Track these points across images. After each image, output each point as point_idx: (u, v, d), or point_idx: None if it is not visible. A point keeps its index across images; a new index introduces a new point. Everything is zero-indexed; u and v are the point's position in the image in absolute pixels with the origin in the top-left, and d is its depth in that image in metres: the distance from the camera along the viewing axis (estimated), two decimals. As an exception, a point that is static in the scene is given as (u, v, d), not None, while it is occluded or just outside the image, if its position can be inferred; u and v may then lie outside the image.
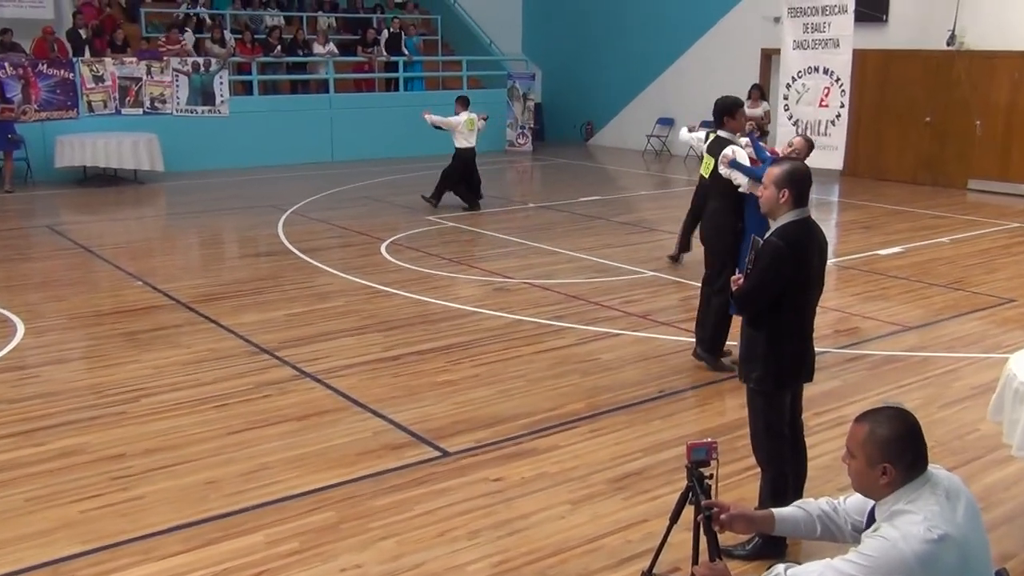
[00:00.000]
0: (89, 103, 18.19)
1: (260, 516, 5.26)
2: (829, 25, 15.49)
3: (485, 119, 15.18)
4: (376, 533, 5.08)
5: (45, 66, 17.70)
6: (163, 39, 19.54)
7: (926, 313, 9.32)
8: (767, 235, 4.64)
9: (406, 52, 22.14)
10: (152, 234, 13.99)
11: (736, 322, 4.87)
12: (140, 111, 18.70)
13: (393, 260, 11.45)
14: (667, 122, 22.28)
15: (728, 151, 7.46)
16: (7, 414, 6.72)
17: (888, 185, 17.63)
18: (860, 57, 16.53)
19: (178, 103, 19.07)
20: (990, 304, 9.62)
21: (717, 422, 6.62)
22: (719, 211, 7.64)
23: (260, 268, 11.31)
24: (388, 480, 5.69)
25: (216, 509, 5.34)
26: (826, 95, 15.53)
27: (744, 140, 7.73)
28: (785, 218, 4.59)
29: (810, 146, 8.23)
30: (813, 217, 4.73)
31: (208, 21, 21.08)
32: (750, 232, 6.43)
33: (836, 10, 15.34)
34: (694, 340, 7.88)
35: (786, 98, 16.24)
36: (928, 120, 17.72)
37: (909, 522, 3.02)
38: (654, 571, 4.37)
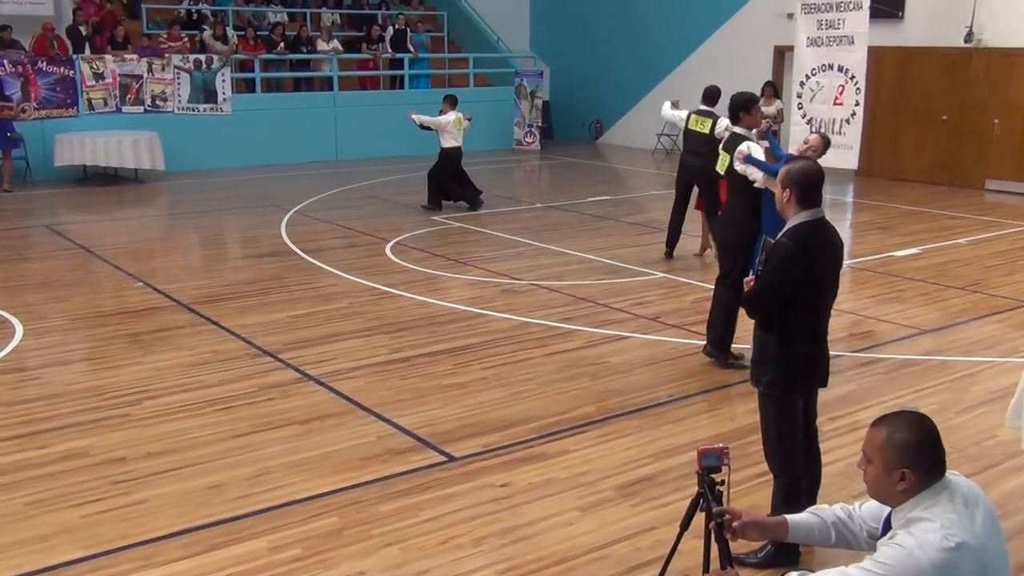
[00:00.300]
0: (89, 101, 18.14)
1: (263, 521, 5.22)
2: (844, 22, 15.39)
3: (469, 119, 15.04)
4: (380, 540, 5.03)
5: (44, 63, 17.65)
6: (164, 36, 19.47)
7: (943, 316, 9.24)
8: (778, 236, 4.61)
9: (411, 49, 22.05)
10: (153, 234, 13.94)
11: (748, 324, 4.82)
12: (141, 109, 18.64)
13: (398, 261, 11.39)
14: (672, 120, 22.19)
15: (743, 147, 7.41)
16: (7, 417, 6.68)
17: (904, 185, 17.51)
18: (875, 54, 16.45)
19: (179, 101, 19.00)
20: (1009, 307, 9.53)
21: (729, 427, 6.56)
22: (735, 208, 7.60)
23: (263, 269, 11.27)
24: (393, 485, 5.64)
25: (218, 514, 5.30)
26: (841, 93, 15.43)
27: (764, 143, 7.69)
28: (797, 218, 4.56)
29: (826, 143, 8.16)
30: (827, 218, 4.68)
31: (210, 17, 21.01)
32: (765, 232, 6.38)
33: (851, 6, 15.25)
34: (705, 340, 7.83)
35: (800, 96, 16.14)
36: (945, 119, 17.54)
37: (926, 530, 2.96)
38: (664, 580, 4.29)
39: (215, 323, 8.87)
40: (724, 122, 10.59)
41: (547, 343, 8.30)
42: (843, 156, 14.77)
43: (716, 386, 7.33)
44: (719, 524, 3.52)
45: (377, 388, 7.23)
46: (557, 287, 10.18)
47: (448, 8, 24.65)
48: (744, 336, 7.18)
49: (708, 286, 10.02)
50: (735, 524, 3.49)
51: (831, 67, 15.62)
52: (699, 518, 3.77)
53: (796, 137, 15.95)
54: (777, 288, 4.53)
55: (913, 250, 12.02)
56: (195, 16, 21.07)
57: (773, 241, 4.59)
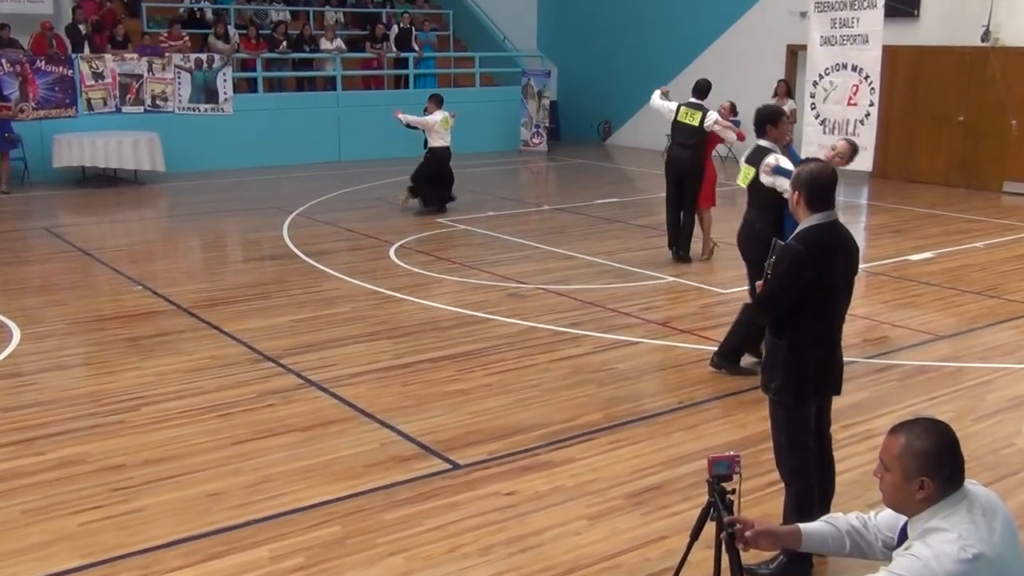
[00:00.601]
0: (88, 101, 18.05)
1: (264, 530, 5.18)
2: (858, 20, 15.26)
3: (454, 116, 14.83)
4: (384, 549, 4.99)
5: (43, 63, 17.57)
6: (165, 35, 19.40)
7: (959, 322, 9.17)
8: (788, 239, 4.59)
9: (416, 48, 21.97)
10: (153, 237, 13.89)
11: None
12: (141, 109, 18.57)
13: (402, 264, 11.33)
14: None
15: (771, 159, 7.33)
16: (3, 423, 6.63)
17: (919, 187, 17.39)
18: (890, 54, 16.27)
19: (180, 101, 18.93)
20: (1027, 313, 9.49)
21: (740, 434, 6.48)
22: (757, 220, 7.50)
23: (264, 272, 11.22)
24: (396, 493, 5.60)
25: (218, 522, 5.26)
26: (855, 93, 15.30)
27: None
28: (808, 221, 4.54)
29: (854, 149, 8.10)
30: (841, 220, 4.65)
31: (211, 16, 20.95)
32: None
33: (865, 4, 15.12)
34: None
35: (813, 96, 16.02)
36: (961, 119, 17.37)
37: (942, 540, 2.90)
38: (674, 591, 4.25)
39: (215, 327, 8.81)
40: (713, 115, 11.10)
41: (553, 349, 8.24)
42: (857, 157, 14.64)
43: (727, 393, 7.26)
44: (730, 534, 3.48)
45: (380, 394, 7.17)
46: (564, 291, 10.12)
47: (454, 6, 24.58)
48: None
49: (718, 290, 10.09)
50: (747, 534, 3.45)
51: (845, 66, 15.49)
52: (710, 527, 3.73)
53: (810, 139, 15.88)
54: (786, 291, 4.50)
55: (928, 254, 11.94)
56: (198, 14, 20.98)
57: (783, 244, 4.56)
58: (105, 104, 18.19)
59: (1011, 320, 9.19)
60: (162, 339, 8.50)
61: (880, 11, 15.05)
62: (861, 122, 15.18)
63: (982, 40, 16.68)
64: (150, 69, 18.56)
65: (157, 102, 18.69)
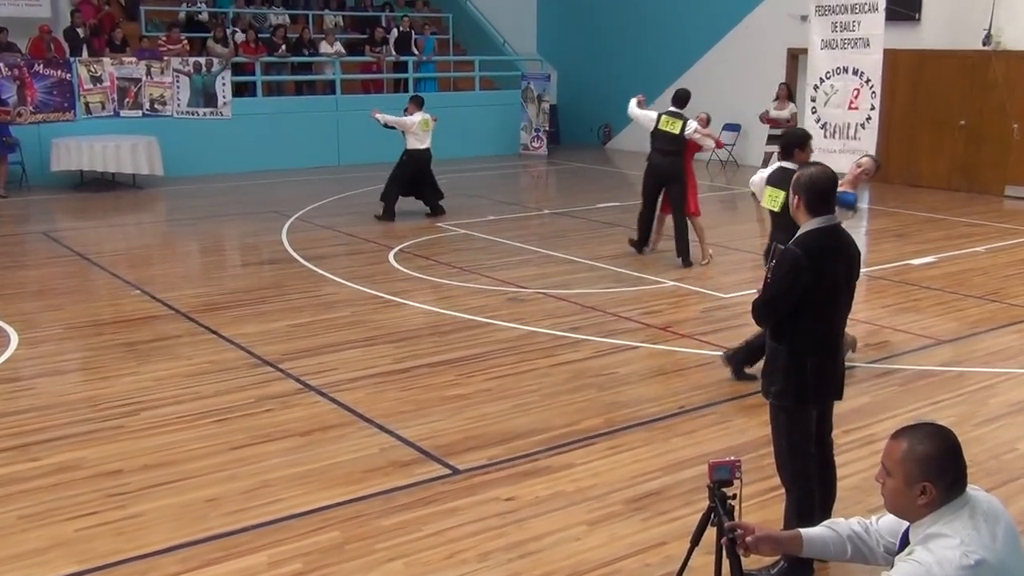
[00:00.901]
0: (86, 105, 18.05)
1: (262, 536, 5.16)
2: (859, 24, 15.27)
3: (434, 120, 14.72)
4: (383, 554, 4.98)
5: (41, 66, 17.56)
6: (163, 38, 19.39)
7: (960, 326, 9.14)
8: (789, 243, 4.59)
9: (416, 52, 21.96)
10: (151, 241, 13.87)
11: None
12: (139, 113, 18.57)
13: (402, 269, 11.31)
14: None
15: None
16: (0, 428, 6.59)
17: (921, 191, 17.36)
18: (891, 57, 16.26)
19: (179, 105, 18.93)
20: (1028, 317, 9.47)
21: (740, 439, 6.45)
22: (783, 243, 7.37)
23: (263, 277, 11.19)
24: (395, 499, 5.58)
25: (216, 528, 5.24)
26: (856, 97, 15.31)
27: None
28: (807, 225, 4.55)
29: (877, 166, 8.10)
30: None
31: (208, 18, 20.94)
32: None
33: (866, 8, 15.13)
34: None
35: (814, 100, 16.03)
36: (963, 123, 17.34)
37: (944, 546, 2.89)
38: (675, 596, 4.25)
39: (214, 332, 8.79)
40: (693, 124, 11.50)
41: (553, 353, 8.22)
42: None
43: (727, 397, 7.24)
44: (731, 539, 3.47)
45: (379, 399, 7.15)
46: (564, 296, 10.10)
47: (453, 10, 24.54)
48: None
49: (719, 294, 10.11)
50: (748, 539, 3.44)
51: (846, 70, 15.51)
52: (710, 533, 3.73)
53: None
54: (785, 295, 4.50)
55: (930, 258, 11.92)
56: (196, 17, 20.95)
57: (783, 248, 4.57)
58: (103, 108, 18.19)
59: (1013, 324, 9.16)
60: (160, 344, 8.47)
61: (881, 15, 15.06)
62: (862, 126, 15.17)
63: (983, 44, 16.64)
64: (148, 73, 18.56)
65: (155, 106, 18.68)
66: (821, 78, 15.93)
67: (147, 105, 18.64)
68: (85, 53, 18.33)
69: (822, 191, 4.53)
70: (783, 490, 4.86)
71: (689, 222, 11.56)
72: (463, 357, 8.10)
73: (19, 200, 16.23)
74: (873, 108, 15.16)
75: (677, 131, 11.47)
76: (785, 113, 16.77)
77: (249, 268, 12.12)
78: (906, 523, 3.12)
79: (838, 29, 15.57)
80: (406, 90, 21.64)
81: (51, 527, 5.23)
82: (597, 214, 15.08)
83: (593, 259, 11.81)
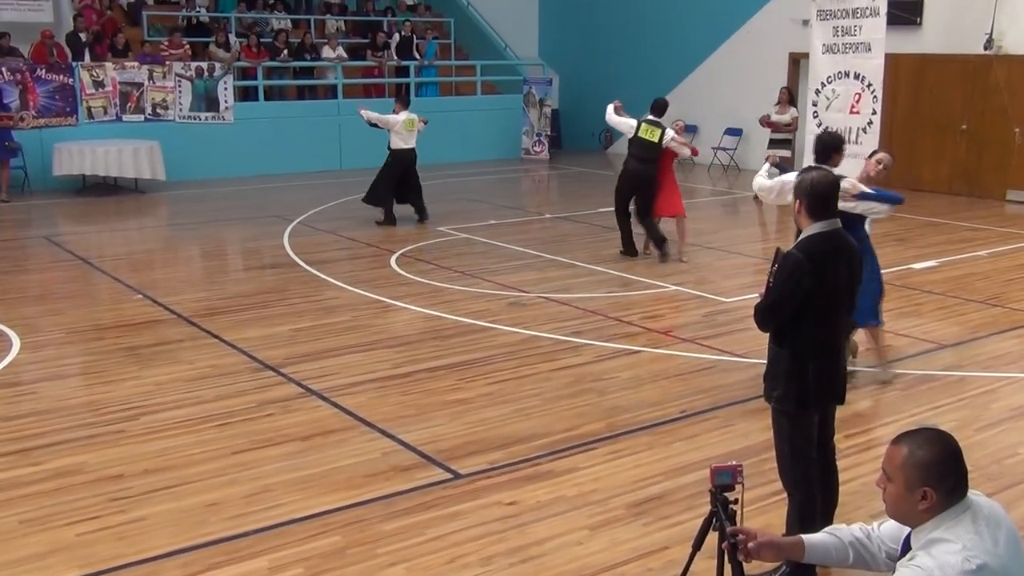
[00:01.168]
0: (89, 109, 18.05)
1: (263, 540, 5.15)
2: (860, 28, 15.23)
3: (425, 122, 14.66)
4: (384, 559, 4.96)
5: (44, 71, 17.56)
6: (165, 43, 19.40)
7: (962, 330, 9.13)
8: (790, 247, 4.59)
9: (418, 56, 21.95)
10: (153, 245, 13.86)
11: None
12: (141, 118, 18.55)
13: (403, 273, 11.30)
14: (690, 129, 21.87)
15: (847, 184, 7.25)
16: (1, 432, 6.60)
17: (922, 196, 17.14)
18: (893, 62, 16.21)
19: (181, 109, 18.92)
20: (1030, 321, 9.44)
21: (742, 444, 6.44)
22: None
23: (265, 281, 11.18)
24: (397, 503, 5.57)
25: (217, 533, 5.24)
26: (857, 101, 15.27)
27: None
28: (809, 229, 4.56)
29: (892, 160, 8.12)
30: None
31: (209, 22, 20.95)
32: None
33: (868, 13, 15.09)
34: None
35: (815, 104, 15.98)
36: (964, 128, 17.31)
37: (946, 551, 2.88)
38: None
39: (215, 336, 8.78)
40: (671, 132, 11.86)
41: (554, 358, 8.21)
42: (859, 166, 14.61)
43: (729, 402, 7.22)
44: (733, 544, 3.45)
45: (380, 403, 7.14)
46: (566, 300, 10.09)
47: (455, 15, 24.54)
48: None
49: (720, 299, 10.09)
50: (750, 544, 3.42)
51: (847, 75, 15.46)
52: (712, 538, 3.71)
53: (810, 148, 15.80)
54: (786, 299, 4.50)
55: (931, 262, 11.91)
56: (195, 21, 20.96)
57: (785, 252, 4.55)
58: (105, 112, 18.19)
59: (1015, 329, 9.15)
60: (161, 348, 8.46)
61: (882, 19, 15.02)
62: (864, 130, 15.13)
63: (985, 48, 16.62)
64: (151, 77, 18.56)
65: (158, 110, 18.68)
66: (823, 82, 15.89)
67: (149, 110, 18.64)
68: (87, 58, 18.33)
69: (823, 195, 4.53)
70: (785, 495, 4.84)
71: (678, 224, 12.00)
72: (464, 361, 8.09)
73: (21, 204, 16.23)
74: (875, 112, 15.12)
75: (656, 139, 11.81)
76: (786, 117, 16.76)
77: (251, 272, 12.10)
78: (908, 529, 3.11)
79: (840, 33, 15.54)
80: (408, 95, 21.62)
81: (52, 532, 5.22)
82: (599, 218, 15.04)
83: (594, 263, 11.80)
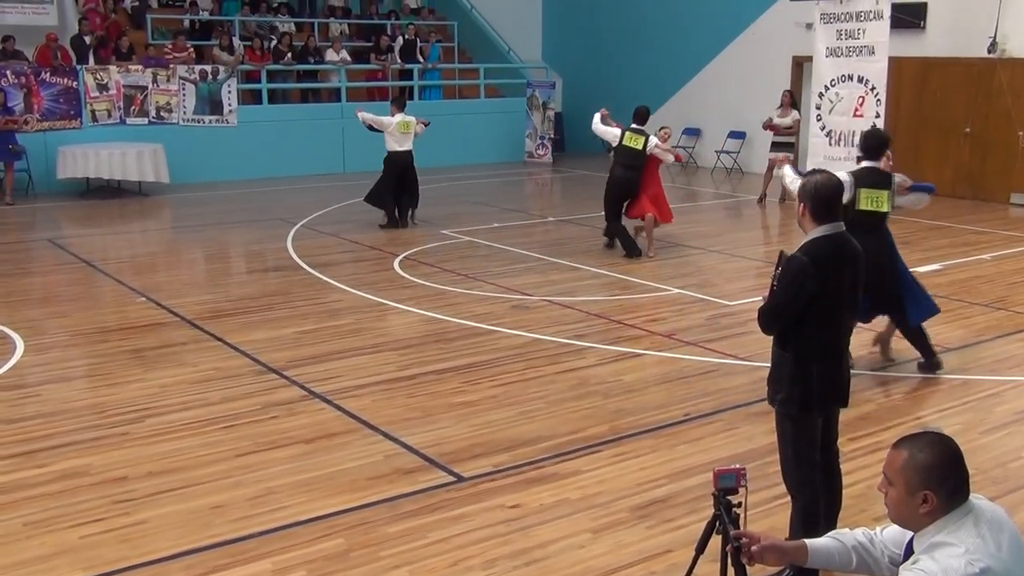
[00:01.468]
0: (93, 112, 18.07)
1: (267, 543, 5.15)
2: (864, 32, 15.23)
3: (426, 124, 14.67)
4: (387, 562, 4.95)
5: (48, 74, 17.59)
6: (169, 46, 19.42)
7: (966, 334, 9.10)
8: (794, 251, 4.58)
9: (421, 60, 21.93)
10: (157, 248, 13.86)
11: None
12: (145, 120, 18.57)
13: (407, 276, 11.29)
14: (693, 132, 21.94)
15: (899, 179, 7.48)
16: (6, 434, 6.59)
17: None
18: (896, 65, 16.19)
19: (185, 112, 18.95)
20: (1035, 324, 9.40)
21: (746, 447, 6.42)
22: (874, 251, 6.76)
23: (269, 284, 11.18)
24: (400, 506, 5.56)
25: (221, 535, 5.23)
26: (860, 105, 15.26)
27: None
28: (813, 233, 4.54)
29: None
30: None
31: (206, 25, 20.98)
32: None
33: (871, 16, 15.08)
34: None
35: (818, 107, 15.98)
36: (968, 131, 17.26)
37: (949, 555, 2.88)
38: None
39: (219, 339, 8.78)
40: (654, 140, 12.20)
41: (558, 361, 8.20)
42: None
43: (732, 405, 7.20)
44: (736, 548, 3.44)
45: (384, 406, 7.13)
46: (569, 303, 10.07)
47: (459, 18, 24.54)
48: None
49: (723, 302, 10.07)
50: (753, 548, 3.41)
51: (851, 78, 15.45)
52: (715, 541, 3.69)
53: (815, 150, 15.84)
54: (790, 303, 4.49)
55: (935, 266, 11.87)
56: (199, 25, 20.98)
57: (788, 255, 4.55)
58: (109, 115, 18.20)
59: (1019, 332, 9.13)
60: (166, 351, 8.46)
61: (886, 22, 15.01)
62: (867, 134, 15.13)
63: (989, 51, 16.60)
64: (155, 80, 18.57)
65: (161, 113, 18.70)
66: (826, 86, 15.89)
67: (153, 113, 18.65)
68: (91, 61, 18.37)
69: (827, 199, 4.52)
70: (788, 498, 4.83)
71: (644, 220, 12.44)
72: (468, 364, 8.08)
73: (25, 207, 16.26)
74: (878, 116, 15.10)
75: (640, 147, 12.15)
76: (788, 120, 16.75)
77: (254, 275, 12.09)
78: (910, 533, 3.10)
79: (843, 37, 15.53)
80: (412, 98, 21.62)
81: (56, 534, 5.21)
82: (602, 222, 14.95)
83: (598, 267, 11.79)
